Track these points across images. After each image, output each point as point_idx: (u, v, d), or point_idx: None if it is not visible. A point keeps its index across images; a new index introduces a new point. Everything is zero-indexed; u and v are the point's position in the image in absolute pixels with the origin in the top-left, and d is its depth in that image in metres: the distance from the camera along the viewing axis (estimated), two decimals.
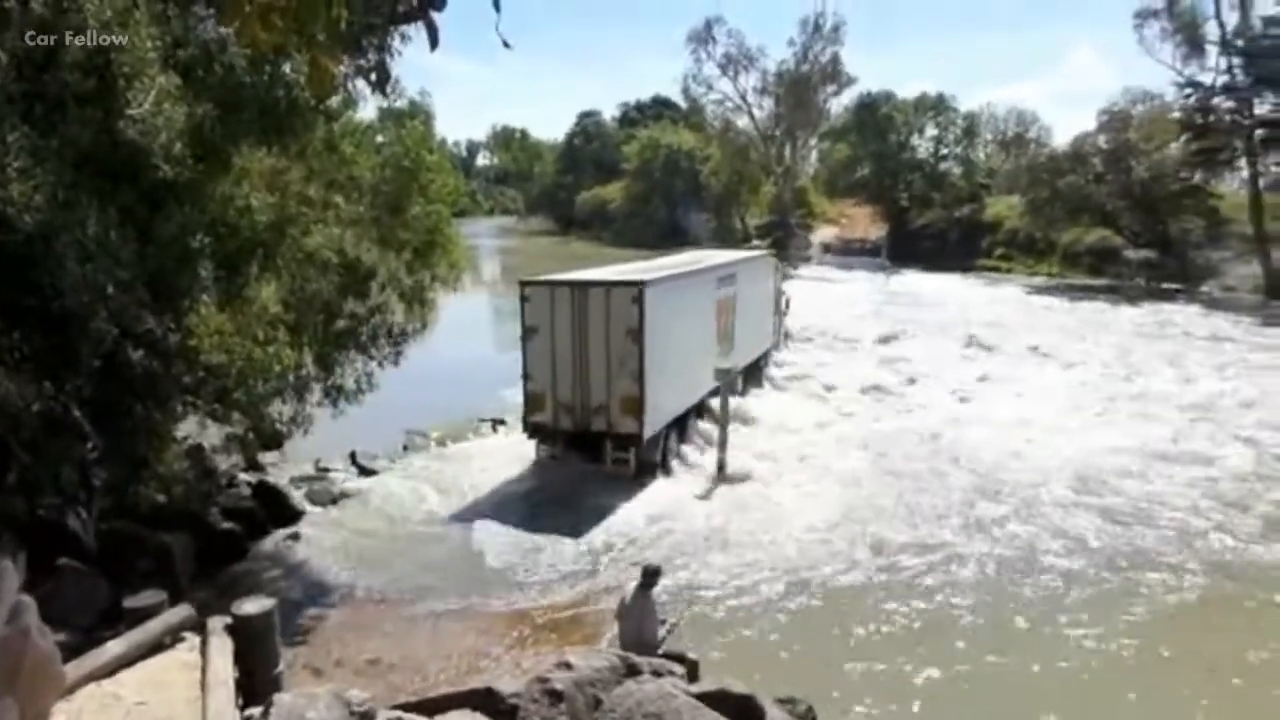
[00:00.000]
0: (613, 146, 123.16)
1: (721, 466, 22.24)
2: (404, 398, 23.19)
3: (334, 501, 20.88)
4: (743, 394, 28.35)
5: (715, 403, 24.13)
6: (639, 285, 20.83)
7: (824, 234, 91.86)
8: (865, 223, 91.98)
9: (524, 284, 21.51)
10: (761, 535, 18.91)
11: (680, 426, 23.45)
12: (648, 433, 21.34)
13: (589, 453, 21.77)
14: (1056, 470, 22.94)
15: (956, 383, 33.15)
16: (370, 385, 18.35)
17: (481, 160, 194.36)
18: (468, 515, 19.93)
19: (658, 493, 21.04)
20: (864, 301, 57.27)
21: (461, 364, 35.12)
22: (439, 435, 26.16)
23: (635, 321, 20.69)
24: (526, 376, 21.49)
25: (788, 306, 37.32)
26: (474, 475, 22.50)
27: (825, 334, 43.19)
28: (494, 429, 26.91)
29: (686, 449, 23.44)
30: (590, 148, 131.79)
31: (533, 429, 22.03)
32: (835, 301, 55.67)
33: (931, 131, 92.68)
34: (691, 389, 24.06)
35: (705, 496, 20.97)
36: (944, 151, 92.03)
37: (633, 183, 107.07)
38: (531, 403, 21.71)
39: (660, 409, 21.90)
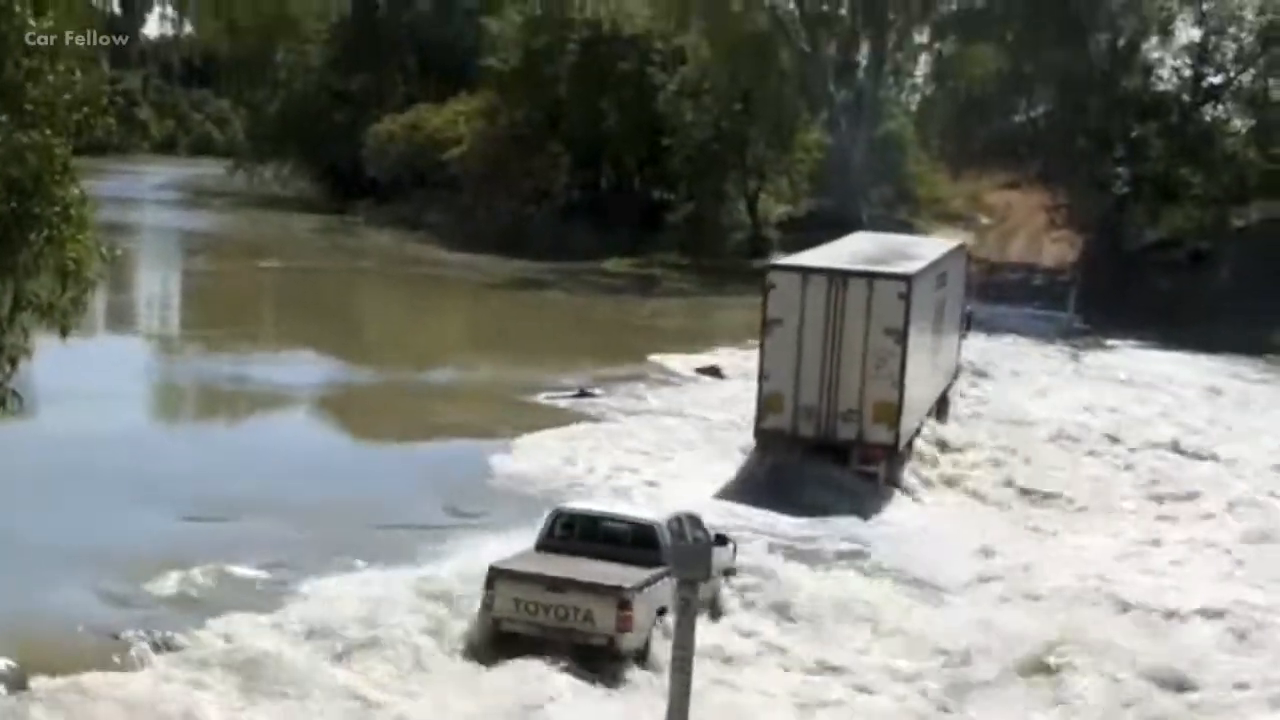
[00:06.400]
0: (459, 15, 64.07)
1: None
2: None
3: None
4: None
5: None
6: (906, 278, 20.39)
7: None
8: (1030, 227, 49.71)
9: (771, 268, 21.29)
10: None
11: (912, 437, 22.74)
12: (902, 443, 20.63)
13: (824, 465, 20.52)
14: None
15: None
16: None
17: (157, 26, 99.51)
18: None
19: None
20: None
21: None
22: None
23: (900, 319, 19.83)
24: (764, 376, 20.52)
25: (968, 326, 28.84)
26: None
27: None
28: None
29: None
30: (405, 15, 67.02)
31: (765, 436, 20.59)
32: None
33: (1188, 31, 45.96)
34: (930, 396, 23.64)
35: None
36: (1213, 79, 45.82)
37: (503, 100, 54.33)
38: (767, 405, 20.40)
39: (911, 417, 21.19)
